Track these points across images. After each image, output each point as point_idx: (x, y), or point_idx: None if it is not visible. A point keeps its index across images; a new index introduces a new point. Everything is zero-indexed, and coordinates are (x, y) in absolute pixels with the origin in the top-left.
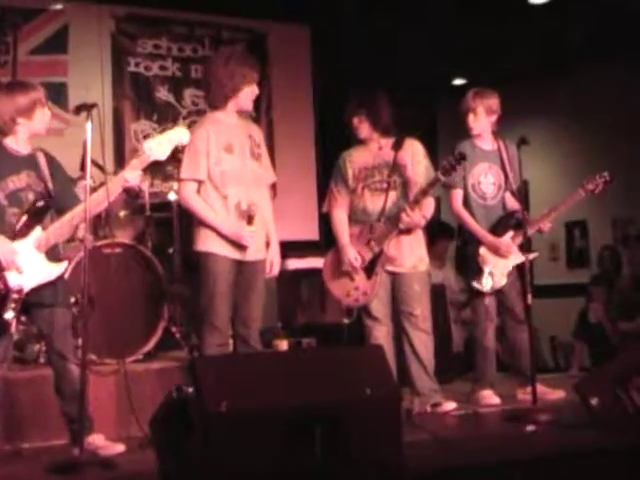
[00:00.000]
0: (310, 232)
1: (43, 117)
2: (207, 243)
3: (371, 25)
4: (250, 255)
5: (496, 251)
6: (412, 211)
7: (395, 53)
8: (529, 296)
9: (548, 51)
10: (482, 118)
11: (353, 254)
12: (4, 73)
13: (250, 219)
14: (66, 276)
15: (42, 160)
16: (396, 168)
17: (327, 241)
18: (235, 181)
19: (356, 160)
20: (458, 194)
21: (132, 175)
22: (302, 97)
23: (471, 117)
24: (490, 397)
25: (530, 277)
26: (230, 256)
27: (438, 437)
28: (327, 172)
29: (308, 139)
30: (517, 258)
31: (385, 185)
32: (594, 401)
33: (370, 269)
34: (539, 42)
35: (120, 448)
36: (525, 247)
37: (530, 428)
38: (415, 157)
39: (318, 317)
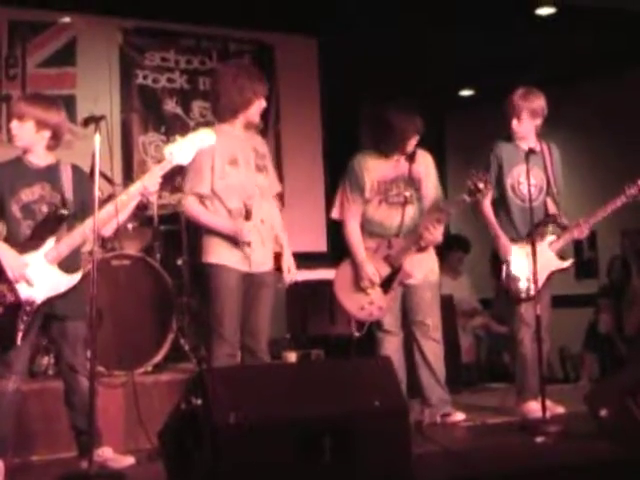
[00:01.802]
0: (318, 244)
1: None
2: (217, 255)
3: (378, 36)
4: (257, 267)
5: (505, 253)
6: (435, 229)
7: (402, 64)
8: (538, 306)
9: (555, 62)
10: (526, 121)
11: (372, 270)
12: (13, 86)
13: (247, 214)
14: None
15: (65, 171)
16: (412, 182)
17: (335, 252)
18: (239, 194)
19: (374, 171)
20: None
21: (151, 182)
22: (310, 109)
23: (515, 121)
24: (538, 410)
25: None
26: (239, 268)
27: (447, 449)
28: (335, 184)
29: (316, 151)
30: (554, 265)
31: (402, 199)
32: (603, 412)
33: (386, 284)
34: (546, 53)
35: (130, 460)
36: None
37: (539, 439)
38: (428, 169)
39: (326, 328)
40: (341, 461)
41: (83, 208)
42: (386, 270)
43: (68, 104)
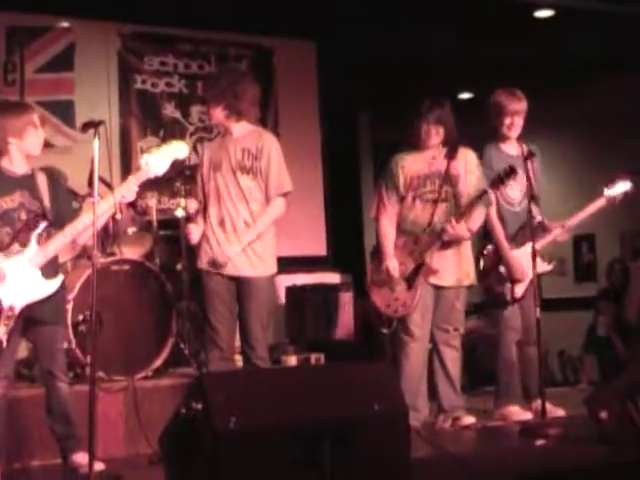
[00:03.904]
0: (318, 248)
1: (36, 138)
2: (202, 260)
3: (376, 40)
4: (233, 270)
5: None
6: (457, 223)
7: (401, 67)
8: (537, 310)
9: (554, 64)
10: (509, 122)
11: (393, 265)
12: (12, 92)
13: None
14: (74, 294)
15: (41, 179)
16: (448, 178)
17: (335, 256)
18: (218, 198)
19: (409, 167)
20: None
21: (128, 191)
22: (309, 113)
23: (508, 120)
24: (520, 413)
25: (538, 291)
26: (214, 271)
27: (446, 452)
28: (334, 188)
29: (315, 155)
30: (538, 267)
31: (435, 196)
32: (603, 415)
33: (411, 280)
34: (545, 55)
35: (99, 466)
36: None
37: (540, 442)
38: (468, 166)
39: (326, 332)
40: (340, 465)
41: (59, 216)
42: (411, 265)
43: (67, 109)
